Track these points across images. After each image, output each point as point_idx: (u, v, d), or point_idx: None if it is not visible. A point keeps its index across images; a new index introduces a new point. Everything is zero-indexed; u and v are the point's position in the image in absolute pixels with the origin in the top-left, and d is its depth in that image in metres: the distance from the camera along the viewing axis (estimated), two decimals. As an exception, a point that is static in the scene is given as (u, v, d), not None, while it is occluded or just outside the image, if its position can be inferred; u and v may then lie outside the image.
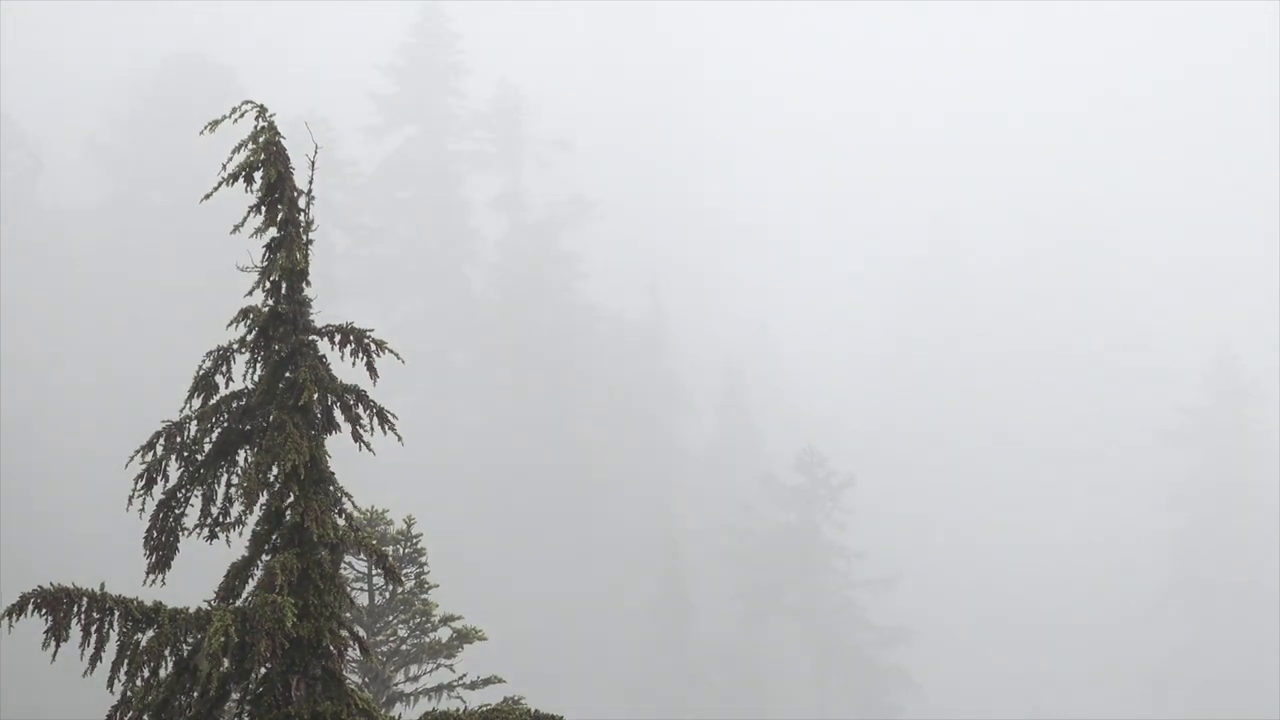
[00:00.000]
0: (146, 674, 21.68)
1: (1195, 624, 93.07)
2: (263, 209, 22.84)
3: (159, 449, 22.75)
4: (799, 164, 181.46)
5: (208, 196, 23.03)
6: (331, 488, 23.12)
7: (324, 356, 23.29)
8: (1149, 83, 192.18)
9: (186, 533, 22.99)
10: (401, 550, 26.76)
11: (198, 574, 29.98)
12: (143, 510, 23.17)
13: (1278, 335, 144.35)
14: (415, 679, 26.60)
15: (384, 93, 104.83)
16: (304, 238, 23.05)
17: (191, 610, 22.06)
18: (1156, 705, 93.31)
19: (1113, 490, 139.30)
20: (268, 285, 22.99)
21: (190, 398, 23.01)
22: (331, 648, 22.45)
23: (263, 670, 22.19)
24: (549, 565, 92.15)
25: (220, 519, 23.12)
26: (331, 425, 23.17)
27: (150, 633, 21.77)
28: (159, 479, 22.80)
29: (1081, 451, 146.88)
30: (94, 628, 21.58)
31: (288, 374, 22.99)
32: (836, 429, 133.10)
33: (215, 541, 23.49)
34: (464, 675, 26.41)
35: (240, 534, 23.27)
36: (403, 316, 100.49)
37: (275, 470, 22.59)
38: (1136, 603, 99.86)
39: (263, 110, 22.80)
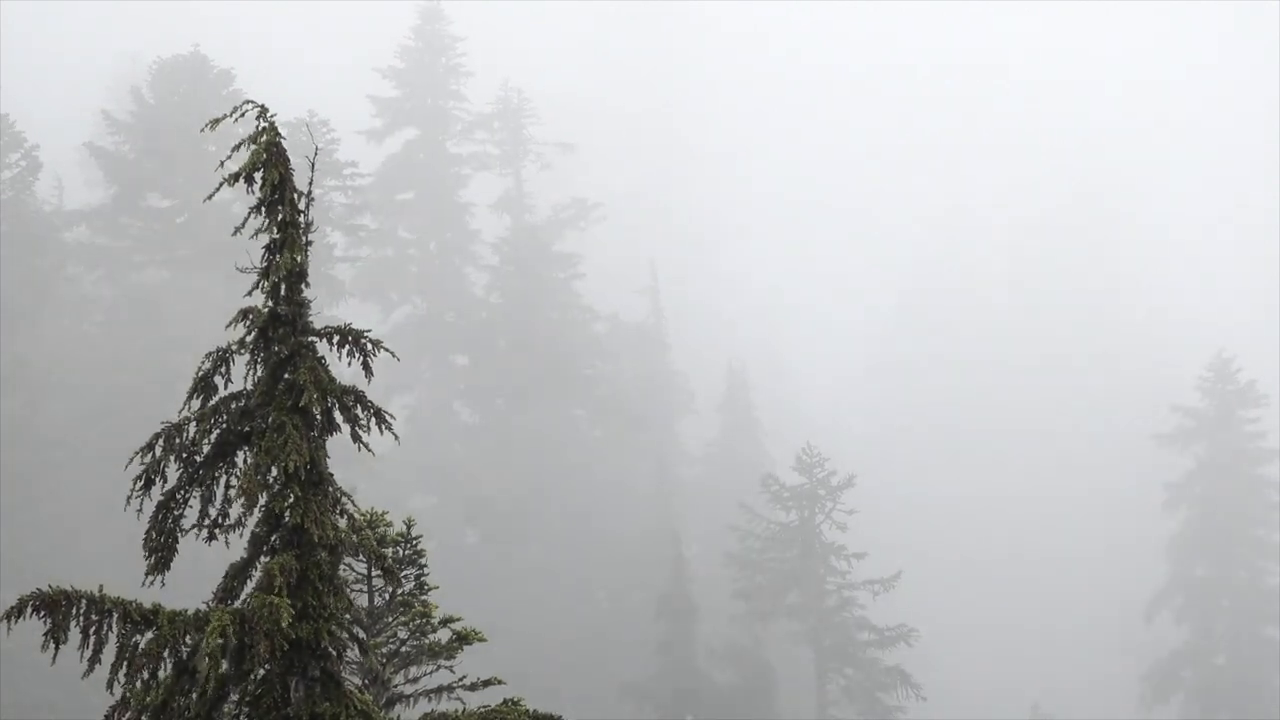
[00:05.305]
0: (145, 675, 21.64)
1: (1193, 625, 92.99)
2: (264, 210, 22.78)
3: (158, 450, 22.68)
4: (800, 163, 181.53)
5: (209, 197, 22.96)
6: (331, 489, 23.05)
7: (323, 358, 23.21)
8: (1147, 85, 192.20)
9: (185, 534, 22.92)
10: (401, 551, 26.69)
11: (203, 576, 29.97)
12: (140, 511, 23.12)
13: (1276, 337, 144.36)
14: (415, 680, 26.55)
15: (384, 95, 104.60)
16: (304, 239, 22.99)
17: (191, 612, 22.02)
18: (1155, 706, 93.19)
19: (1111, 492, 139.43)
20: (267, 286, 22.91)
21: (189, 399, 22.92)
22: (330, 649, 22.41)
23: (261, 671, 22.15)
24: (549, 566, 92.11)
25: (219, 520, 23.04)
26: (331, 426, 23.09)
27: (149, 634, 21.72)
28: (158, 480, 22.74)
29: (1080, 453, 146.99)
30: (93, 629, 21.51)
31: (287, 375, 22.90)
32: (837, 429, 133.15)
33: (217, 544, 23.41)
34: (464, 677, 26.37)
35: (240, 535, 23.21)
36: (403, 318, 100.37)
37: (275, 471, 22.52)
38: (1134, 604, 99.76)
39: (264, 111, 22.71)
